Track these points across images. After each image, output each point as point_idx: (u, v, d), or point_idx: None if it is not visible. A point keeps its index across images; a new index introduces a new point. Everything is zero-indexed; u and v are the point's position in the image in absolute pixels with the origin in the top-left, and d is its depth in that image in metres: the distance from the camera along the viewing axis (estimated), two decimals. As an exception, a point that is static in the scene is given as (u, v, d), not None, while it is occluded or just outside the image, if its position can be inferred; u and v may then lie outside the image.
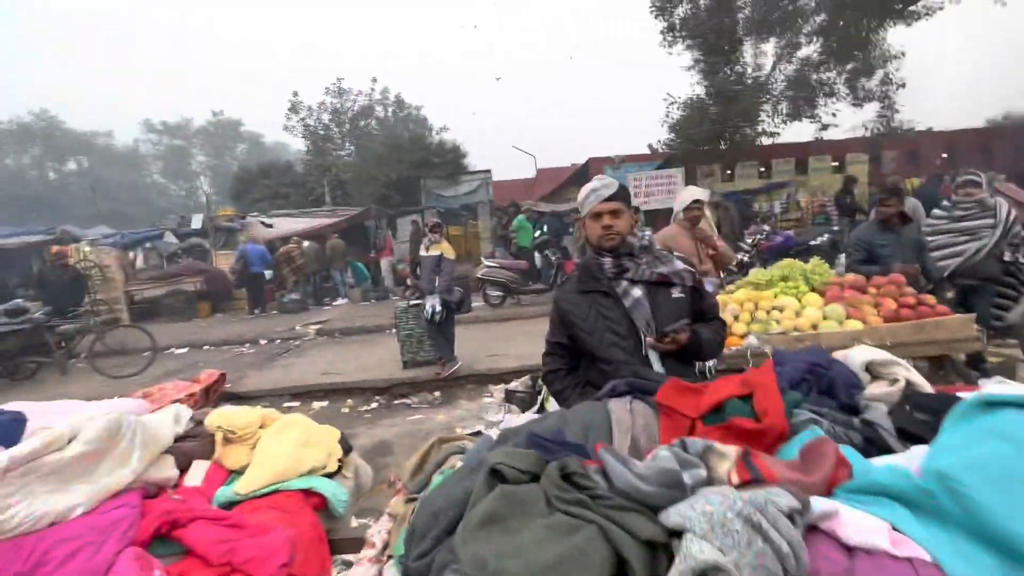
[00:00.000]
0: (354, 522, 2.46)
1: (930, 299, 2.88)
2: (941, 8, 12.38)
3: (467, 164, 17.20)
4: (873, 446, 0.89)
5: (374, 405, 5.37)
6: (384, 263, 12.60)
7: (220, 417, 1.50)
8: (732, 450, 0.81)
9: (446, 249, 5.30)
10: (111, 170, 39.79)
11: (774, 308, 2.99)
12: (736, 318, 2.98)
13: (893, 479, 0.72)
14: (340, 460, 1.68)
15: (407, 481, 1.49)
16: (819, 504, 0.70)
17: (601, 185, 1.76)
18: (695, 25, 12.43)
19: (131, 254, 12.99)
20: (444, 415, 4.88)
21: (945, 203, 4.26)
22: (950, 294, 3.82)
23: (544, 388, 2.90)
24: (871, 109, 13.12)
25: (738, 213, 12.33)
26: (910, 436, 0.85)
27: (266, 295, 11.81)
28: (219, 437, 1.45)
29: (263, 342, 8.77)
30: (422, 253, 5.59)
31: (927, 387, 1.16)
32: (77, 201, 33.76)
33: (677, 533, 0.66)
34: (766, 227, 9.73)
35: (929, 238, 4.16)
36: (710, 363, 2.82)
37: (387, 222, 14.55)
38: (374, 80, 24.46)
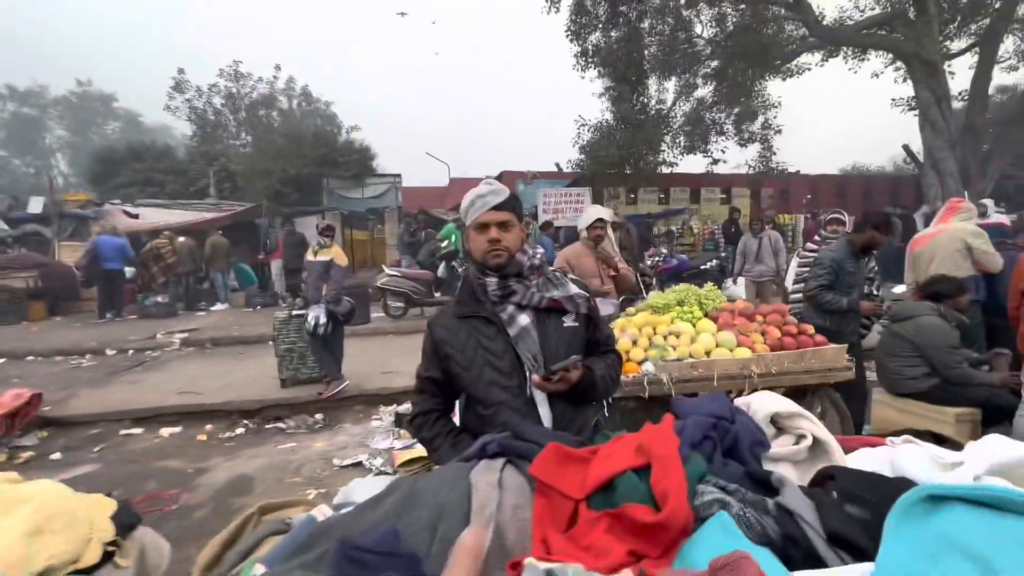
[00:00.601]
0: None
1: (809, 329, 3.00)
2: (809, 69, 14.38)
3: (376, 167, 16.38)
4: (795, 546, 0.69)
5: (240, 431, 4.63)
6: (274, 266, 11.37)
7: None
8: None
9: (337, 254, 4.76)
10: (-67, 134, 32.63)
11: (671, 333, 2.93)
12: (635, 343, 2.88)
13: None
14: (114, 543, 1.21)
15: (199, 574, 1.07)
16: None
17: (489, 191, 1.48)
18: (607, 53, 12.99)
19: (-59, 239, 10.50)
20: (323, 442, 4.32)
21: (816, 238, 4.64)
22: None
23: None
24: (753, 149, 14.63)
25: (639, 236, 13.03)
26: (840, 538, 0.66)
27: (124, 297, 10.10)
28: None
29: (110, 352, 7.39)
30: (308, 258, 4.99)
31: (835, 446, 1.02)
32: None
33: None
34: (663, 250, 10.27)
35: (802, 269, 4.50)
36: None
37: (281, 221, 13.30)
38: (278, 68, 22.72)
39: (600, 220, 3.39)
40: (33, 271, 9.79)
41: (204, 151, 17.64)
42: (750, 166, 14.40)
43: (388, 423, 4.59)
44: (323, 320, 4.58)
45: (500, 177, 15.99)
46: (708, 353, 2.82)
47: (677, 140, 14.70)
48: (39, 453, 4.16)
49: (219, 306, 10.87)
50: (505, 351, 1.45)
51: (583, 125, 13.41)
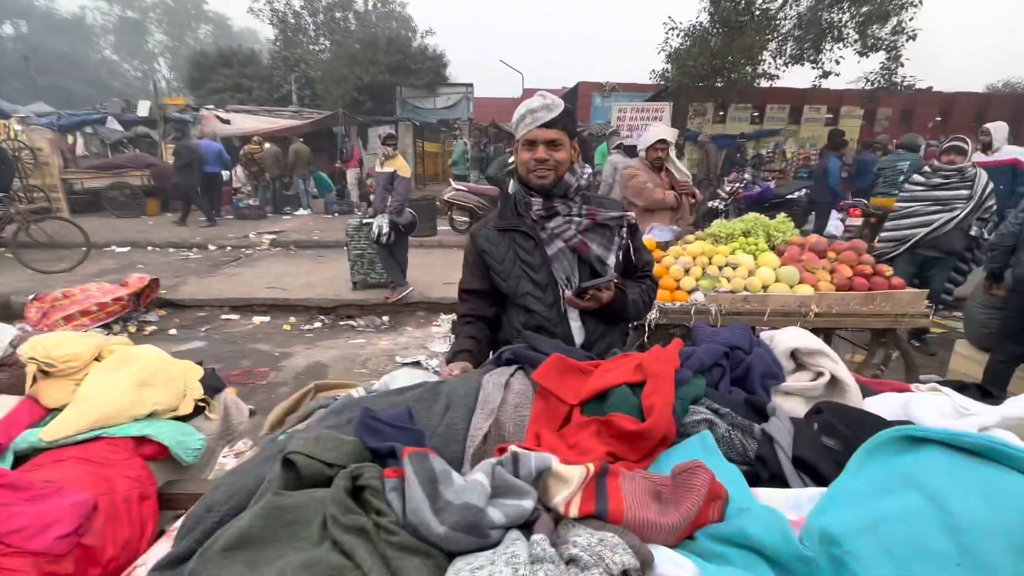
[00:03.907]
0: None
1: (887, 270, 2.75)
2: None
3: (448, 75, 15.91)
4: (766, 467, 0.72)
5: (317, 325, 5.17)
6: (350, 175, 11.85)
7: (37, 345, 1.24)
8: (577, 474, 0.61)
9: (400, 166, 4.87)
10: (54, 39, 35.47)
11: (728, 264, 2.81)
12: (687, 271, 2.80)
13: (767, 535, 0.55)
14: (204, 400, 1.47)
15: (264, 434, 1.30)
16: (663, 564, 0.52)
17: (541, 106, 1.42)
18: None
19: (70, 138, 11.83)
20: (388, 341, 4.74)
21: (926, 169, 4.05)
22: None
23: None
24: (876, 60, 12.42)
25: (725, 157, 11.95)
26: (810, 466, 0.68)
27: (222, 198, 11.07)
28: (31, 370, 1.21)
29: (212, 248, 8.31)
30: (376, 168, 5.15)
31: (852, 386, 0.99)
32: (12, 71, 30.10)
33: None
34: (747, 176, 9.44)
35: (902, 204, 3.99)
36: (651, 315, 2.68)
37: (356, 130, 13.56)
38: (353, -35, 21.85)
39: (662, 141, 3.18)
40: (146, 170, 10.88)
41: (285, 56, 17.92)
42: (868, 80, 12.33)
43: (446, 329, 4.91)
44: (386, 230, 4.81)
45: (576, 88, 15.00)
46: (765, 288, 2.70)
47: (783, 48, 12.79)
48: (159, 328, 4.94)
49: (302, 211, 11.65)
50: (541, 265, 1.48)
51: (672, 29, 11.99)
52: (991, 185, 3.75)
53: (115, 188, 10.80)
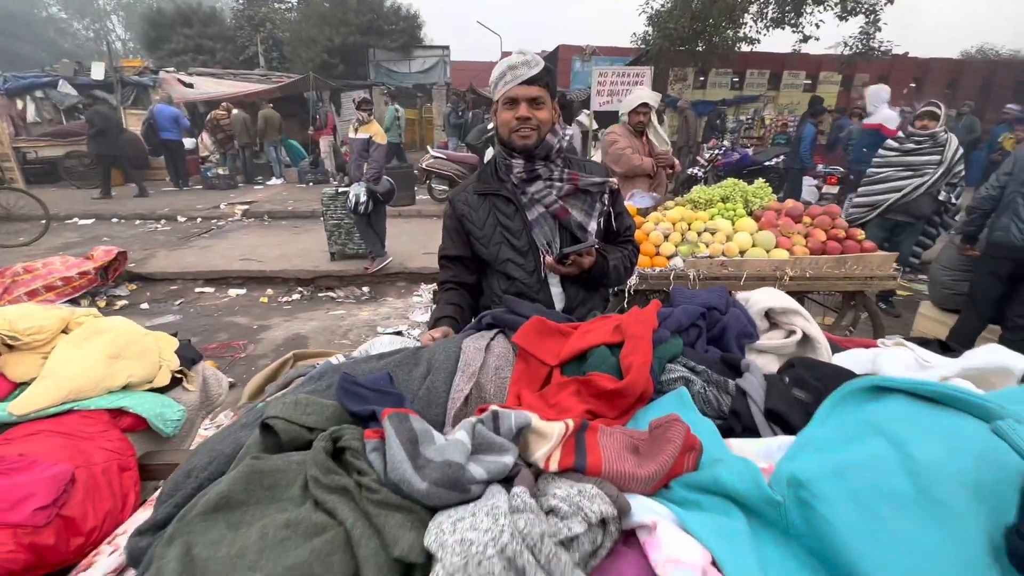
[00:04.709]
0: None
1: (859, 234, 2.82)
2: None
3: (423, 37, 15.31)
4: (739, 420, 0.75)
5: (296, 297, 5.09)
6: (324, 142, 11.44)
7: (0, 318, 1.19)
8: (557, 430, 0.62)
9: (376, 132, 4.72)
10: (-6, -6, 32.75)
11: (706, 230, 2.84)
12: (666, 237, 2.83)
13: (739, 482, 0.57)
14: (181, 372, 1.45)
15: (244, 404, 1.29)
16: (640, 512, 0.54)
17: (521, 62, 1.37)
18: None
19: (19, 103, 11.11)
20: (369, 312, 4.70)
21: (900, 134, 4.10)
22: None
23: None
24: (855, 24, 12.37)
25: (706, 124, 11.91)
26: (781, 417, 0.70)
27: (188, 167, 10.63)
28: (-7, 343, 1.16)
29: (181, 219, 8.02)
30: (350, 135, 4.98)
31: (823, 343, 1.03)
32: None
33: (439, 552, 0.48)
34: (726, 142, 9.46)
35: (875, 170, 4.06)
36: (631, 280, 2.71)
37: (329, 95, 13.04)
38: (319, -85, 20.47)
39: (644, 105, 3.14)
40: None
41: (249, 16, 16.94)
42: (847, 45, 12.32)
43: (427, 300, 4.90)
44: (363, 198, 4.71)
45: (556, 52, 14.61)
46: (743, 252, 2.75)
47: (764, 11, 12.62)
48: (130, 303, 4.80)
49: (274, 180, 11.28)
50: (522, 231, 1.47)
51: (655, -10, 11.70)
52: (960, 150, 3.83)
53: (72, 157, 10.27)
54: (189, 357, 1.50)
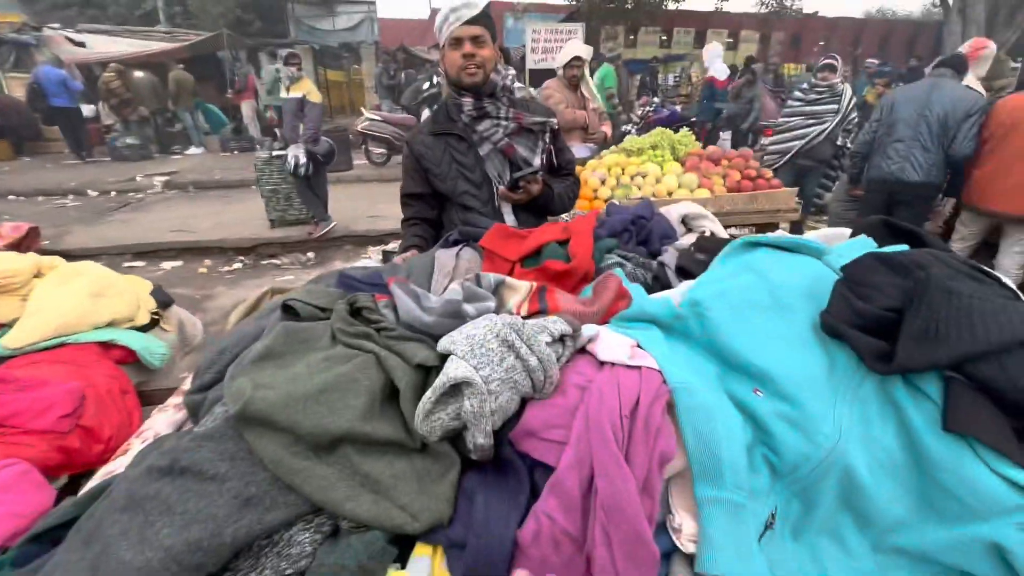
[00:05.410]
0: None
1: (767, 174, 3.19)
2: None
3: (346, -9, 14.40)
4: (660, 284, 0.98)
5: (237, 266, 4.96)
6: (246, 107, 10.70)
7: (-31, 263, 1.22)
8: (524, 285, 0.82)
9: (309, 90, 4.58)
10: None
11: (638, 174, 3.11)
12: (603, 182, 3.07)
13: (656, 307, 0.80)
14: (157, 313, 1.52)
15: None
16: (587, 330, 0.75)
17: (462, 4, 1.47)
18: None
19: None
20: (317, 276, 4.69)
21: (804, 85, 4.55)
22: None
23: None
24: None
25: (640, 83, 12.23)
26: (689, 274, 0.94)
27: (90, 136, 9.66)
28: (-30, 286, 1.19)
29: (92, 193, 7.39)
30: (281, 95, 4.80)
31: (726, 236, 1.28)
32: None
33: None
34: (656, 100, 9.84)
35: (783, 119, 4.50)
36: (567, 217, 2.95)
37: (247, 55, 12.11)
38: None
39: (577, 58, 3.31)
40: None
41: (143, -36, 15.14)
42: (763, 3, 12.99)
43: (377, 260, 4.94)
44: (303, 160, 4.60)
45: (488, 7, 14.28)
46: (670, 193, 3.04)
47: (688, -32, 12.99)
48: (52, 281, 4.49)
49: (194, 149, 10.51)
50: (475, 165, 1.63)
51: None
52: (854, 99, 4.34)
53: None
54: (162, 301, 1.57)
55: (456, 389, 0.61)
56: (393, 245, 4.77)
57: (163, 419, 1.03)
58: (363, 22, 13.42)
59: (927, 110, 3.02)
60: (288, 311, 0.85)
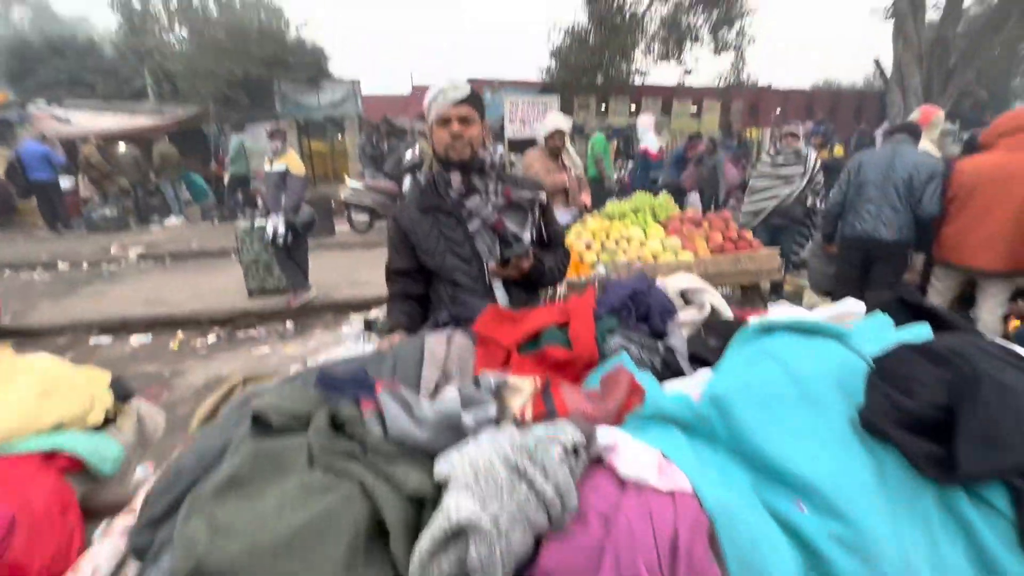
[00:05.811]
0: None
1: (748, 235, 3.25)
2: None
3: (331, 72, 15.13)
4: (669, 370, 0.91)
5: (212, 339, 4.76)
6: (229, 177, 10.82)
7: (-102, 365, 1.08)
8: (528, 384, 0.74)
9: (293, 163, 4.63)
10: None
11: (623, 238, 3.13)
12: (588, 247, 3.07)
13: (674, 406, 0.72)
14: (114, 408, 1.37)
15: (195, 430, 1.26)
16: (602, 436, 0.67)
17: (450, 86, 1.52)
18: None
19: None
20: (295, 347, 4.52)
21: (770, 151, 4.80)
22: None
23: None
24: (726, 60, 14.25)
25: (615, 148, 12.87)
26: (702, 361, 0.87)
27: (68, 209, 9.56)
28: None
29: (63, 266, 7.18)
30: (264, 168, 4.84)
31: (727, 312, 1.24)
32: None
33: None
34: (631, 163, 10.30)
35: (755, 182, 4.70)
36: (561, 289, 2.91)
37: (231, 128, 12.40)
38: (210, -53, 19.72)
39: (559, 131, 3.43)
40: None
41: (134, 47, 15.74)
42: (722, 77, 14.08)
43: (358, 329, 4.79)
44: (282, 230, 4.57)
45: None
46: (656, 257, 3.06)
47: (651, 47, 14.11)
48: (9, 361, 4.21)
49: (172, 219, 10.45)
50: (464, 241, 1.59)
51: (554, 27, 12.66)
52: (819, 162, 4.57)
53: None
54: (122, 394, 1.42)
55: (459, 531, 0.50)
56: (375, 313, 4.66)
57: (107, 551, 0.88)
58: (347, 98, 14.00)
59: (892, 172, 3.17)
60: (258, 422, 0.75)
